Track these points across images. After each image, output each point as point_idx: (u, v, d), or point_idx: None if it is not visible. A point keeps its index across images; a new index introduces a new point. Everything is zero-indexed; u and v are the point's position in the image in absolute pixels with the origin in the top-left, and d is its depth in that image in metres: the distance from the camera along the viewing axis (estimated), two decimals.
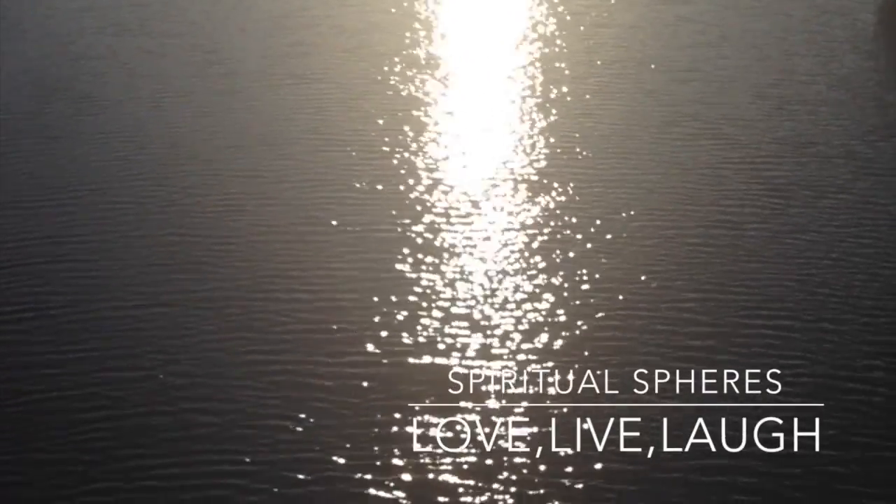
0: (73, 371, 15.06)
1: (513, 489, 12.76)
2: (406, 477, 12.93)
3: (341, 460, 13.23)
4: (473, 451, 13.41)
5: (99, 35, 31.66)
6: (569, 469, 13.10)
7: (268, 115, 25.00)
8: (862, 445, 13.54)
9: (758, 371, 15.07)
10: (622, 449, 13.47)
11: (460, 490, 12.75)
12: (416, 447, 13.47)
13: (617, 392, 14.60)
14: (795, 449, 13.46)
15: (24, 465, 13.14)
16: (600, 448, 13.46)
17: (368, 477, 12.94)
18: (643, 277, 17.59)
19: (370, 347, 15.63)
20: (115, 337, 15.92)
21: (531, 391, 14.62)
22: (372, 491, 12.72)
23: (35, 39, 31.26)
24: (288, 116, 24.92)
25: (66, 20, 33.36)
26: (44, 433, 13.75)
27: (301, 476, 12.96)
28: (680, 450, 13.46)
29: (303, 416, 14.08)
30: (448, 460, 13.23)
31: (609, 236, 19.00)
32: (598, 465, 13.16)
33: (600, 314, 16.50)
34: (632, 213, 19.91)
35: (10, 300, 16.96)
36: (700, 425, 13.92)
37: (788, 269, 17.94)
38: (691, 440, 13.63)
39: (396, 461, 13.21)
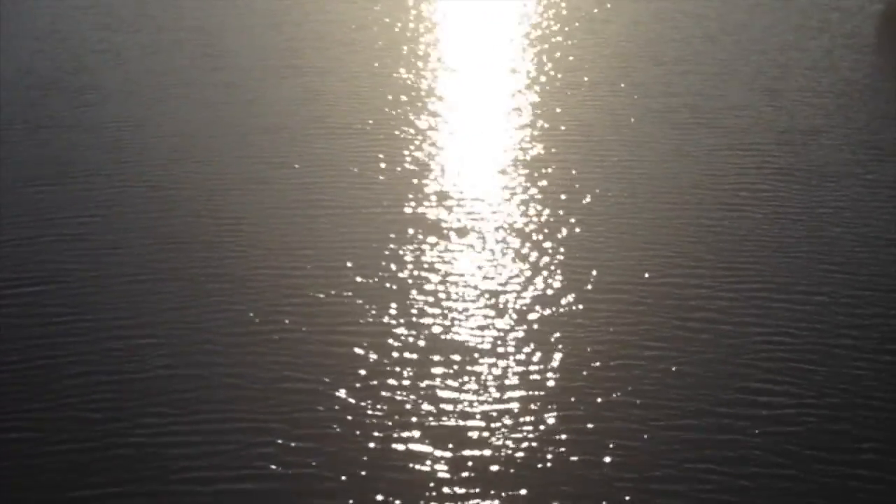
0: (93, 338, 15.08)
1: (513, 456, 12.75)
2: (410, 433, 12.92)
3: (349, 416, 13.25)
4: (473, 416, 13.41)
5: (98, 31, 31.69)
6: (566, 446, 13.08)
7: (269, 106, 25.02)
8: (859, 407, 13.56)
9: (760, 342, 15.09)
10: (620, 422, 13.47)
11: (463, 451, 12.74)
12: (420, 408, 13.46)
13: (616, 363, 14.62)
14: (794, 413, 13.49)
15: (48, 422, 13.17)
16: (594, 427, 13.46)
17: (373, 434, 12.96)
18: (646, 257, 17.62)
19: (376, 319, 15.63)
20: (130, 306, 15.93)
21: (530, 363, 14.63)
22: (375, 446, 12.73)
23: (36, 36, 31.27)
24: (289, 106, 24.94)
25: (65, 17, 33.38)
26: (67, 392, 13.78)
27: (312, 432, 13.00)
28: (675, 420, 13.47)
29: (309, 378, 14.08)
30: (450, 425, 13.22)
31: (611, 219, 19.02)
32: (597, 442, 13.15)
33: (601, 292, 16.51)
34: (633, 197, 19.94)
35: (29, 273, 16.97)
36: (700, 398, 13.92)
37: (795, 247, 17.97)
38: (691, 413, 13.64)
39: (399, 418, 13.20)
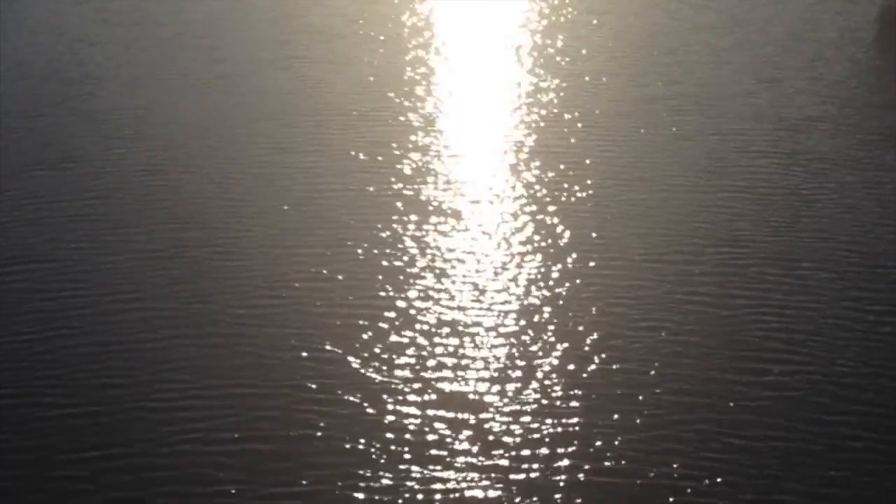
0: (100, 311, 15.18)
1: (517, 426, 12.73)
2: (415, 401, 12.92)
3: (353, 385, 13.32)
4: (476, 385, 13.40)
5: (96, 25, 31.67)
6: (564, 423, 13.06)
7: (269, 95, 24.98)
8: (857, 376, 13.56)
9: (760, 318, 15.07)
10: (617, 397, 13.45)
11: (468, 420, 12.72)
12: (423, 377, 13.46)
13: (620, 337, 14.60)
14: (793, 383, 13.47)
15: (62, 391, 13.24)
16: (592, 407, 13.45)
17: (377, 402, 12.97)
18: (647, 238, 17.62)
19: (380, 295, 15.65)
20: (137, 282, 15.99)
21: (534, 337, 14.61)
22: (379, 413, 12.75)
23: (34, 30, 31.26)
24: (289, 96, 24.90)
25: (63, 12, 33.37)
26: (76, 365, 13.87)
27: (318, 397, 13.07)
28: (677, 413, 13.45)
29: (315, 348, 14.10)
30: (456, 396, 13.22)
31: (613, 204, 19.02)
32: (593, 421, 13.13)
33: (602, 272, 16.50)
34: (634, 183, 19.94)
35: (36, 251, 17.01)
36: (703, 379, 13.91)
37: (793, 227, 17.98)
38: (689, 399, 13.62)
39: (403, 387, 13.22)
